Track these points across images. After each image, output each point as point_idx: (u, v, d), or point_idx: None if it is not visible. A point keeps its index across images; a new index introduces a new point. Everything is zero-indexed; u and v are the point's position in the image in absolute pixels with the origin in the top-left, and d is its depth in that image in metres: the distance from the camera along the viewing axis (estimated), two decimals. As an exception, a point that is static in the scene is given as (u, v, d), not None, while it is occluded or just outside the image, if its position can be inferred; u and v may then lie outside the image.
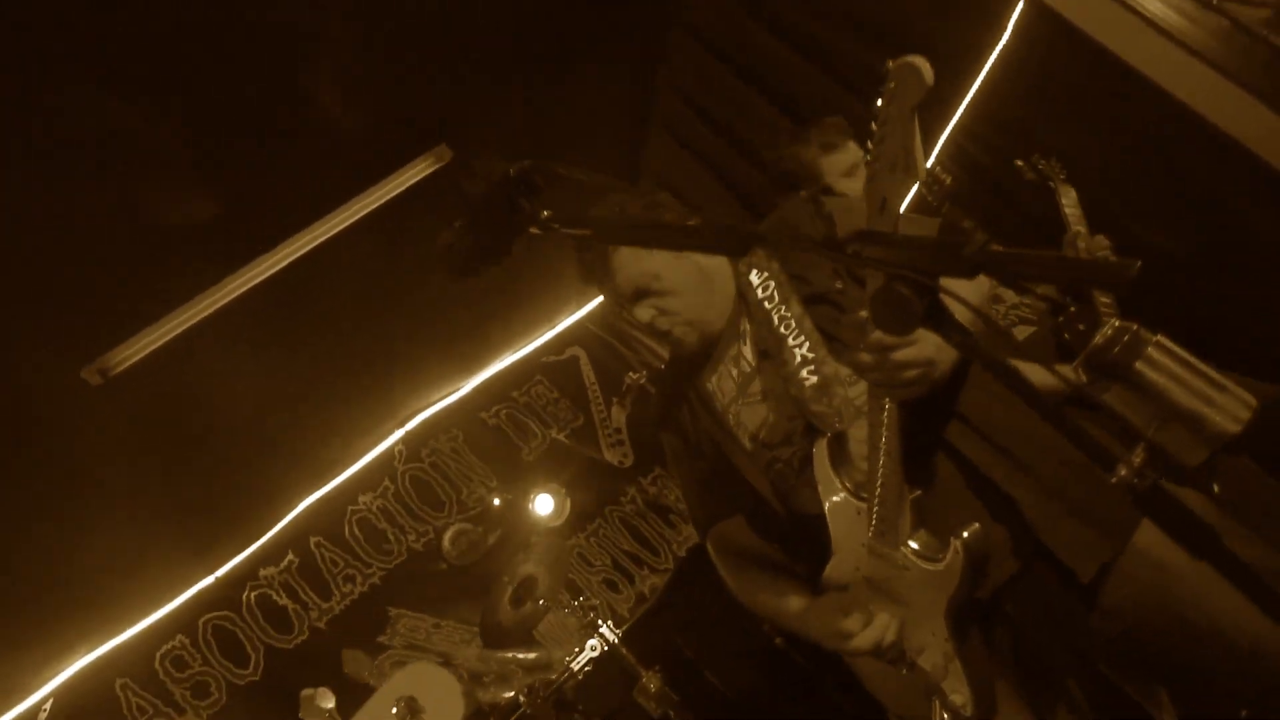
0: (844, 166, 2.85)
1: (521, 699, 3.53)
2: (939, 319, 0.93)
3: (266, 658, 4.83)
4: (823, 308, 1.81)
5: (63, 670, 4.55)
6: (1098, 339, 0.99)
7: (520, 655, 4.97)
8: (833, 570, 1.72)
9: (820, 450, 1.71)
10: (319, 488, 5.20)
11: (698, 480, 2.03)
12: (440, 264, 1.49)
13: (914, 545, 1.63)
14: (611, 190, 1.68)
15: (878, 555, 1.65)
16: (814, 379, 1.73)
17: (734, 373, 1.86)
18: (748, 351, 1.86)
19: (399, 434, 5.46)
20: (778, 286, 1.81)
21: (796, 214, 1.85)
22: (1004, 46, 3.02)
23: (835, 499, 1.68)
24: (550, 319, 5.92)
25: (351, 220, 3.72)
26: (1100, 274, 0.93)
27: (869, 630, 1.65)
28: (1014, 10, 2.91)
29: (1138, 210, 2.93)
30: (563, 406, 5.86)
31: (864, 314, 1.48)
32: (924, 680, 1.67)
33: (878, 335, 1.49)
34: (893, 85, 1.35)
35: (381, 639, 4.96)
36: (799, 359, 1.75)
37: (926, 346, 1.51)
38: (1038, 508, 1.71)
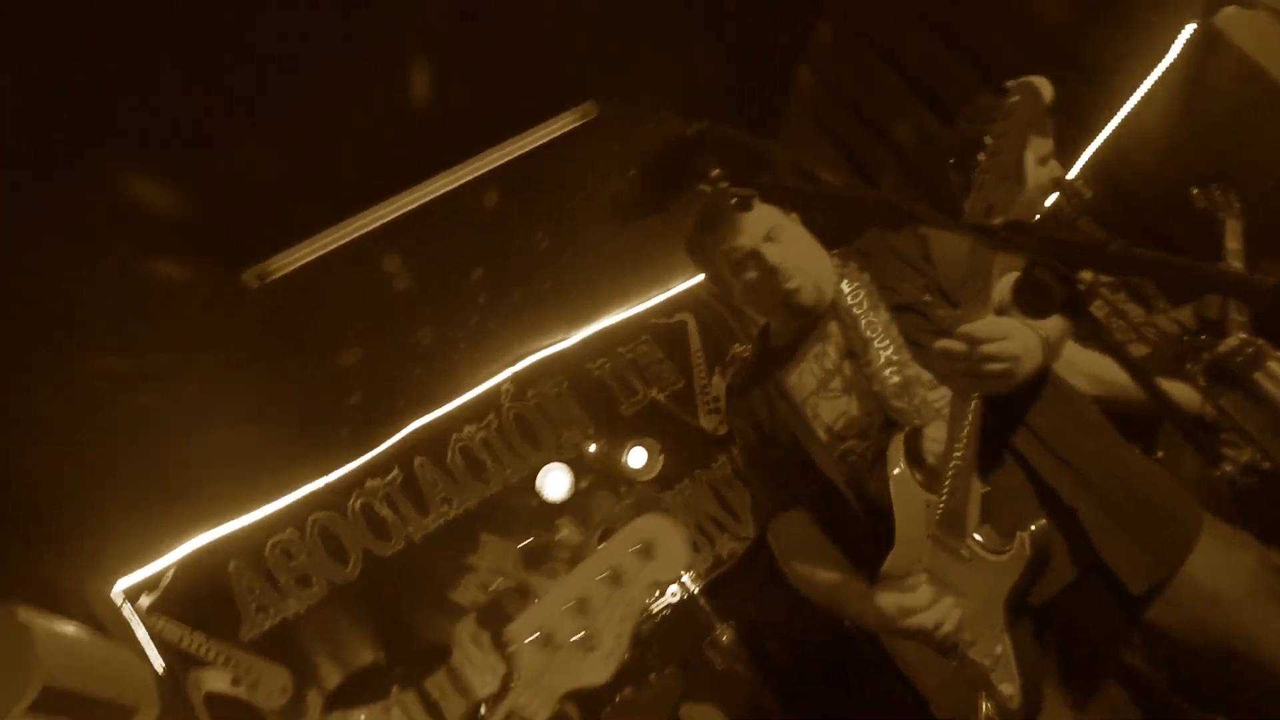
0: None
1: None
2: (1075, 309, 1.03)
3: (364, 560, 5.17)
4: (909, 316, 1.92)
5: (185, 544, 4.97)
6: (1222, 347, 1.07)
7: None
8: (895, 559, 1.76)
9: (896, 443, 1.79)
10: (429, 413, 5.49)
11: (767, 467, 2.11)
12: (606, 208, 1.65)
13: (978, 538, 1.69)
14: (775, 156, 1.79)
15: (942, 546, 1.71)
16: (897, 378, 1.84)
17: (816, 369, 1.97)
18: (832, 351, 1.96)
19: (508, 373, 5.72)
20: (866, 295, 1.94)
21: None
22: (1167, 67, 2.99)
23: (905, 491, 1.75)
24: (664, 282, 6.06)
25: (496, 164, 3.90)
26: (1245, 288, 1.01)
27: (931, 610, 1.68)
28: (1182, 31, 2.88)
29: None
30: (666, 368, 6.02)
31: (959, 311, 1.59)
32: (973, 673, 1.69)
33: (968, 326, 1.57)
34: (1014, 100, 1.44)
35: (470, 559, 5.24)
36: (883, 360, 1.86)
37: (1014, 344, 1.59)
38: (1097, 522, 1.72)
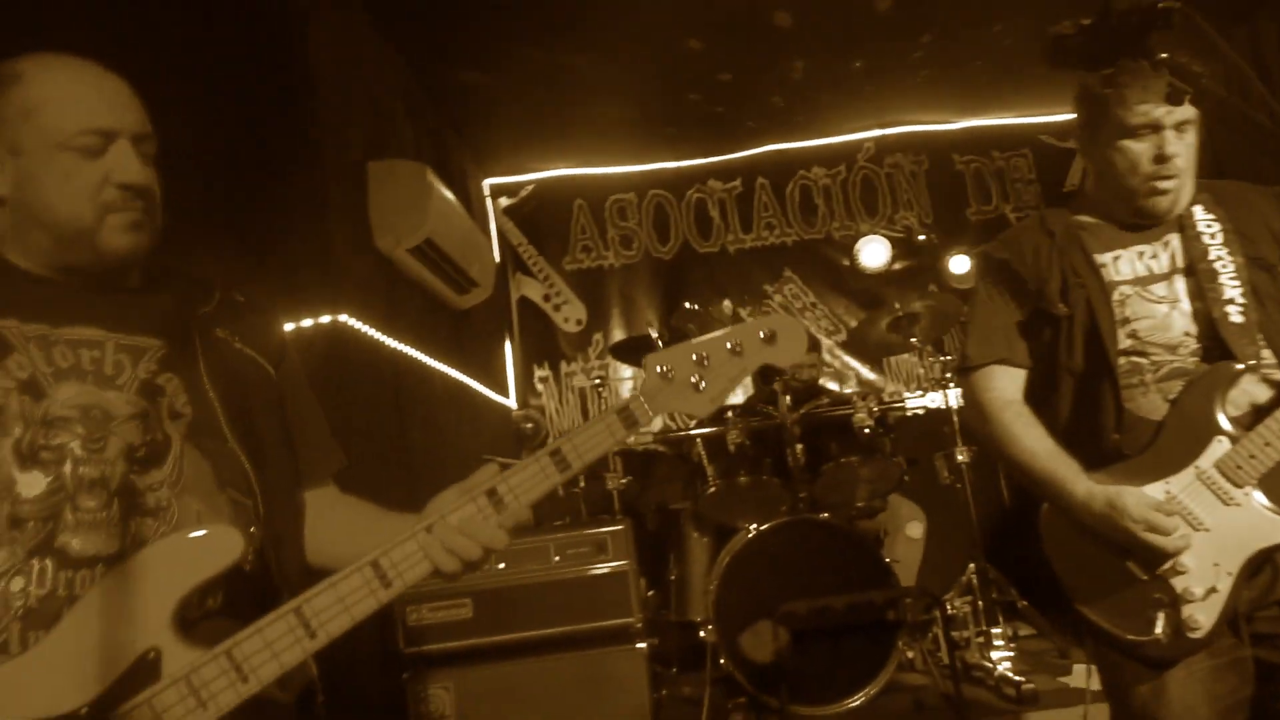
0: None
1: (849, 391, 4.02)
2: None
3: (682, 247, 5.68)
4: (1261, 274, 1.83)
5: (549, 171, 5.66)
6: None
7: (863, 369, 5.46)
8: (1148, 467, 1.75)
9: (1223, 372, 1.75)
10: (786, 141, 5.66)
11: (1016, 322, 1.97)
12: (1043, 46, 1.68)
13: (1260, 494, 1.69)
14: (1232, 65, 1.68)
15: (1208, 484, 1.72)
16: (1240, 319, 1.78)
17: (1138, 265, 1.89)
18: (1164, 259, 1.88)
19: (876, 133, 5.70)
20: (1223, 231, 1.85)
21: None
22: None
23: (1202, 418, 1.74)
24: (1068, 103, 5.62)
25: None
26: None
27: (1175, 537, 1.68)
28: None
29: None
30: (1031, 191, 5.75)
31: None
32: (1160, 593, 1.71)
33: None
34: None
35: (767, 288, 5.60)
36: (1228, 296, 1.79)
37: None
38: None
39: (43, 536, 1.09)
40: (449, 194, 3.90)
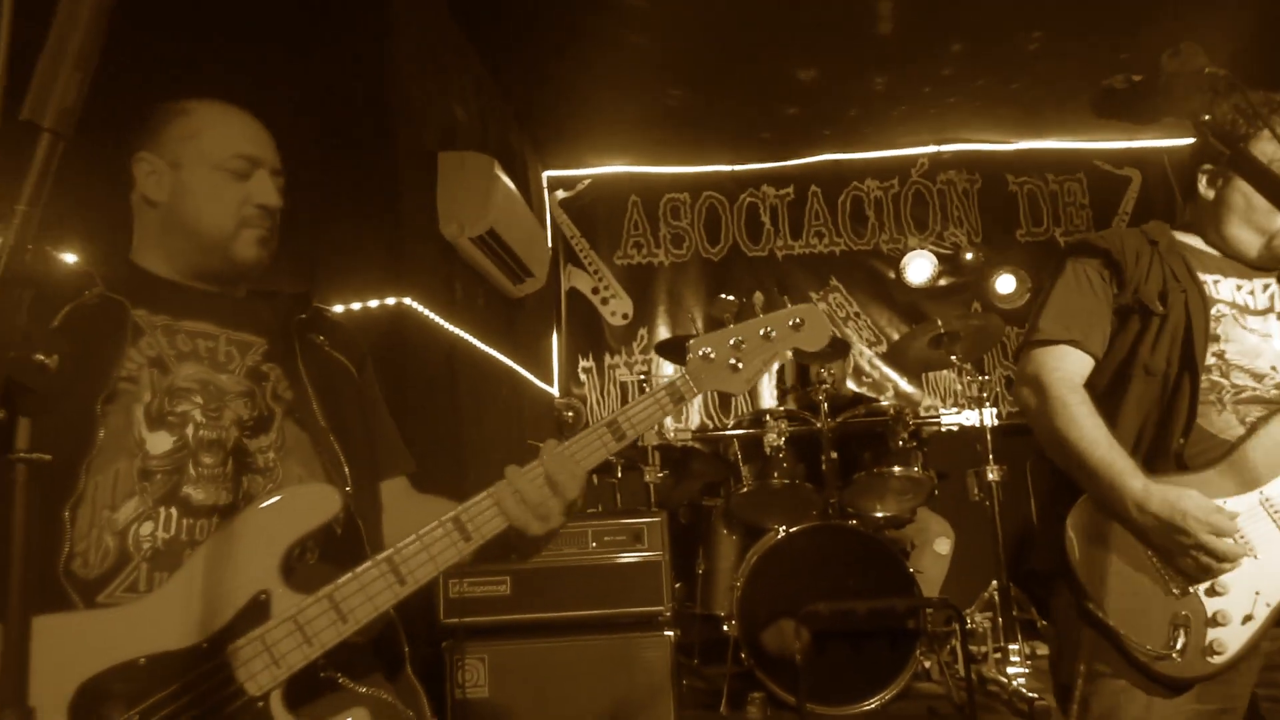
0: None
1: (885, 403, 4.11)
2: None
3: (731, 249, 5.79)
4: None
5: (607, 166, 5.80)
6: None
7: (901, 381, 5.53)
8: (1212, 483, 1.73)
9: None
10: (842, 151, 5.74)
11: (1100, 301, 1.91)
12: (1092, 96, 1.78)
13: None
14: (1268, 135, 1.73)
15: (1270, 511, 1.73)
16: None
17: (1237, 295, 1.90)
18: (1262, 298, 1.89)
19: (931, 149, 5.76)
20: None
21: None
22: None
23: (1276, 451, 1.74)
24: (1128, 131, 5.63)
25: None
26: None
27: (1230, 545, 1.66)
28: None
29: None
30: (1082, 215, 5.78)
31: None
32: (1188, 609, 1.69)
33: None
34: None
35: (813, 295, 5.69)
36: None
37: None
38: None
39: (169, 487, 1.25)
40: (513, 186, 4.04)
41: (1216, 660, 1.68)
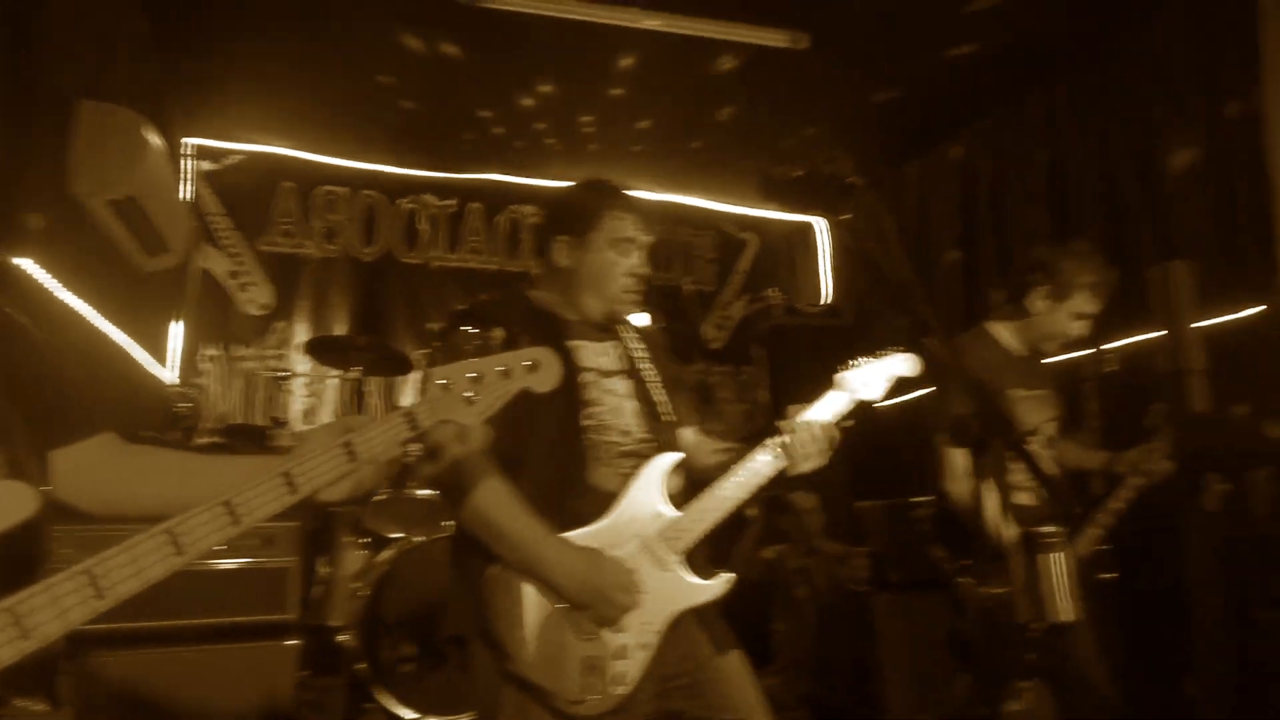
0: (1083, 309, 2.82)
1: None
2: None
3: (385, 253, 5.69)
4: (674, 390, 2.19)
5: (259, 144, 5.44)
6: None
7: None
8: (603, 536, 1.90)
9: (663, 459, 1.99)
10: (507, 173, 5.89)
11: None
12: (759, 182, 2.08)
13: (682, 563, 1.91)
14: (888, 236, 2.15)
15: (648, 550, 1.92)
16: (670, 418, 2.12)
17: (599, 360, 2.08)
18: (615, 355, 2.14)
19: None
20: (648, 352, 2.21)
21: None
22: None
23: (648, 493, 1.95)
24: (756, 200, 6.40)
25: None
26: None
27: (633, 598, 1.85)
28: None
29: None
30: (708, 269, 6.46)
31: None
32: (597, 651, 1.83)
33: None
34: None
35: (460, 309, 5.74)
36: (658, 398, 2.13)
37: None
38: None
39: None
40: (162, 150, 3.69)
41: (621, 691, 1.84)
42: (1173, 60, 4.00)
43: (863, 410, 2.13)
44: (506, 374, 1.49)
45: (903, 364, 2.12)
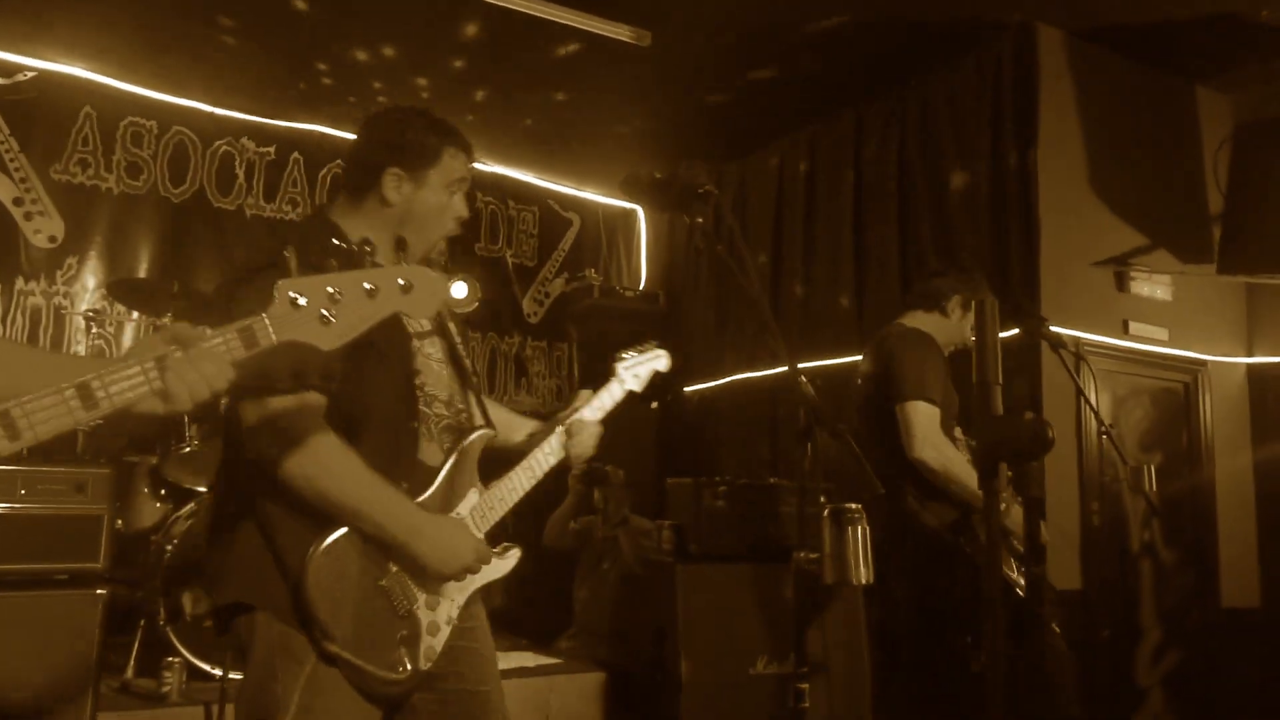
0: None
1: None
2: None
3: (196, 195, 5.42)
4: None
5: (58, 62, 5.02)
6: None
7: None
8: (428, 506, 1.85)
9: (481, 436, 1.98)
10: (335, 127, 5.74)
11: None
12: (623, 179, 2.26)
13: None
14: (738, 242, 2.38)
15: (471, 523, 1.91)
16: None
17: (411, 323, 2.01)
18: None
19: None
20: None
21: None
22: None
23: (465, 473, 1.94)
24: (586, 181, 6.57)
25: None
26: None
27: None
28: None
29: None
30: (530, 243, 6.57)
31: None
32: (407, 629, 1.79)
33: None
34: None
35: (285, 252, 5.56)
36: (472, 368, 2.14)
37: None
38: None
39: None
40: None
41: (428, 666, 1.83)
42: (966, 106, 4.51)
43: (632, 400, 2.30)
44: (373, 293, 1.26)
45: (663, 361, 2.31)
